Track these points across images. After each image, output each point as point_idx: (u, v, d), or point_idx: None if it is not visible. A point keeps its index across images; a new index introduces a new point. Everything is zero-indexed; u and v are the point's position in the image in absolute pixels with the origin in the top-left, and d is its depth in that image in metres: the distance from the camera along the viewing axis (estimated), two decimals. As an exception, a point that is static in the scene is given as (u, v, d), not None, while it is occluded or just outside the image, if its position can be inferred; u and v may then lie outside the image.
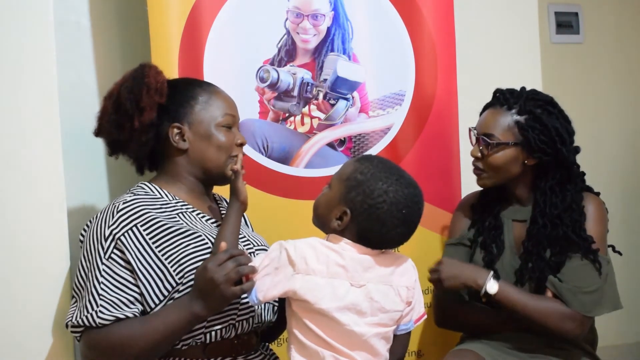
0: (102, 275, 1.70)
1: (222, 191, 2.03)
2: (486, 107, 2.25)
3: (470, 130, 2.24)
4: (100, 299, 1.69)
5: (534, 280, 2.13)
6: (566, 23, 3.77)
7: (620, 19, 3.88)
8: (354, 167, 1.73)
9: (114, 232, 1.72)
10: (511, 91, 2.21)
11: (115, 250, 1.72)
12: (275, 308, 1.90)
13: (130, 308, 1.70)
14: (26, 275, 1.89)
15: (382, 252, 1.74)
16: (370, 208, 1.68)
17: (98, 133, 1.90)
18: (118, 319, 1.68)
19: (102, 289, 1.70)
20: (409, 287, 1.76)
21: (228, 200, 1.94)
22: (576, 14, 3.78)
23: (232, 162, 1.85)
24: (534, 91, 2.22)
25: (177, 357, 1.74)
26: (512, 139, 2.15)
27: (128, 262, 1.71)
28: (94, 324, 1.68)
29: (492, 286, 2.06)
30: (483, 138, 2.17)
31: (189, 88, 1.88)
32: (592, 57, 3.82)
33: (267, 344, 1.95)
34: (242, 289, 1.64)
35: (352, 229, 1.70)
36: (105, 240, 1.72)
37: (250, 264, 1.65)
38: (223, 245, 1.68)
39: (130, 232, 1.73)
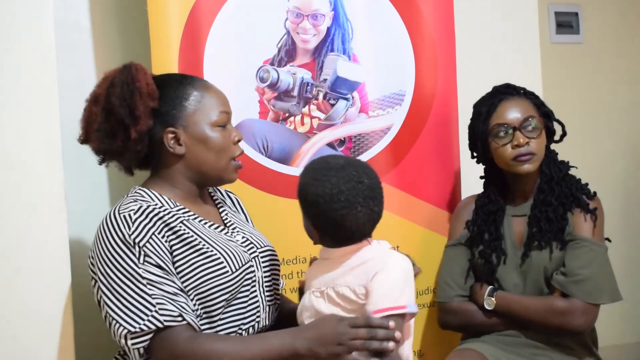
0: (144, 278, 1.63)
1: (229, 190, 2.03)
2: (502, 99, 2.24)
3: (500, 125, 2.20)
4: (153, 298, 1.61)
5: (541, 273, 2.16)
6: (566, 23, 3.78)
7: (620, 19, 3.88)
8: (298, 187, 1.72)
9: (137, 240, 1.65)
10: (512, 84, 2.29)
11: (146, 256, 1.64)
12: (277, 308, 1.89)
13: (188, 313, 1.63)
14: (26, 276, 1.89)
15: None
16: (323, 214, 1.66)
17: (85, 141, 1.80)
18: (182, 317, 1.61)
19: (149, 289, 1.62)
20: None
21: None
22: (576, 14, 3.79)
23: (236, 165, 1.82)
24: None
25: None
26: (542, 120, 2.24)
27: (159, 266, 1.65)
28: (160, 325, 1.60)
29: (489, 303, 2.18)
30: (529, 120, 2.19)
31: (179, 87, 1.77)
32: (592, 57, 3.83)
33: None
34: None
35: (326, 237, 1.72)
36: (134, 247, 1.64)
37: (384, 344, 1.54)
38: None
39: (152, 240, 1.66)
